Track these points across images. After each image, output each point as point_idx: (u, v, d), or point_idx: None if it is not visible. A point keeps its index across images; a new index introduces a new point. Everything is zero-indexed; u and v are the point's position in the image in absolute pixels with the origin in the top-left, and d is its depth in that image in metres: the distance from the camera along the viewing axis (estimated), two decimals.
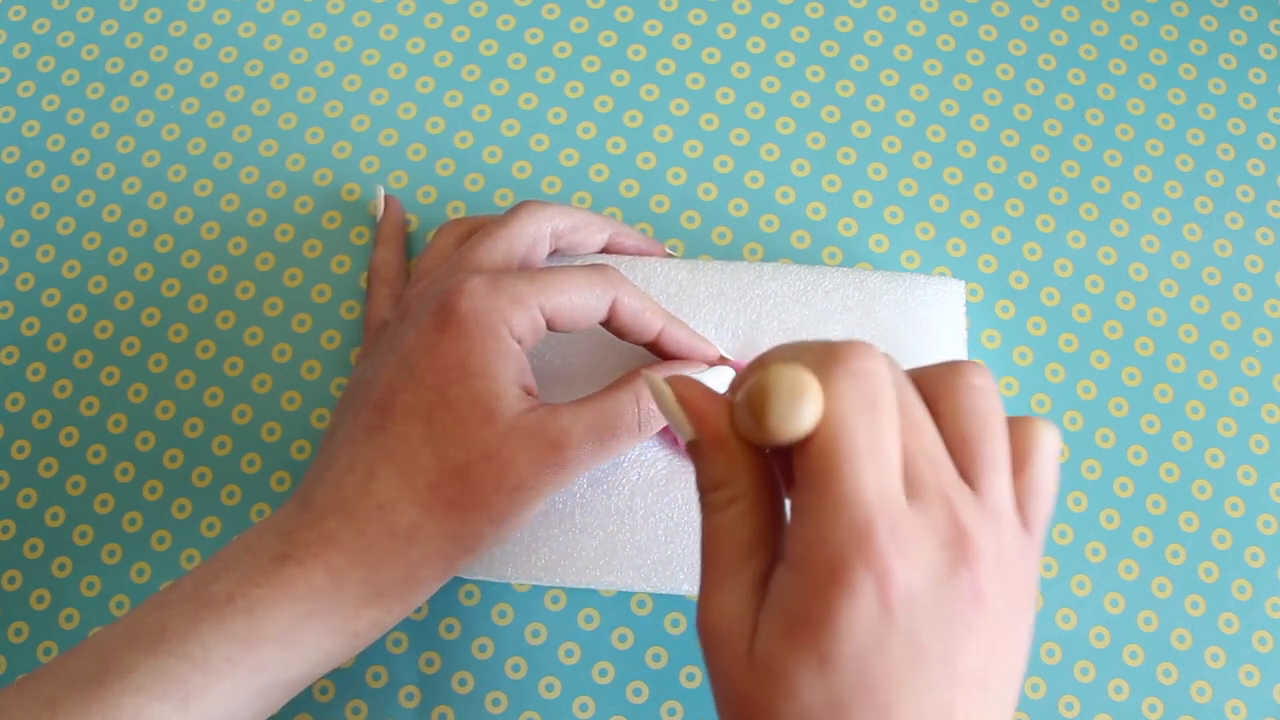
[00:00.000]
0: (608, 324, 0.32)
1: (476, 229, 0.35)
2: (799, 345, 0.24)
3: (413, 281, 0.35)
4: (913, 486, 0.22)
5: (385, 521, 0.29)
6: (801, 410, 0.21)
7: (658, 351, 0.33)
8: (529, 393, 0.31)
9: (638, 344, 0.33)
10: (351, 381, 0.33)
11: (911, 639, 0.21)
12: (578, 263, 0.35)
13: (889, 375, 0.22)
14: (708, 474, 0.24)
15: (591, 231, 0.35)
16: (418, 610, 0.36)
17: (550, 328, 0.31)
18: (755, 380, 0.22)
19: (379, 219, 0.38)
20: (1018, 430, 0.24)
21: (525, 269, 0.32)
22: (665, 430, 0.34)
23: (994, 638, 0.22)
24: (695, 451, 0.24)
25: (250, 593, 0.28)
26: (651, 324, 0.32)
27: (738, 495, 0.24)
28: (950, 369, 0.24)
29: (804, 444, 0.22)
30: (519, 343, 0.30)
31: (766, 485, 0.24)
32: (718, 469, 0.24)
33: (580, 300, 0.31)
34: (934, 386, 0.24)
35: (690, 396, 0.24)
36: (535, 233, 0.33)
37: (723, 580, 0.23)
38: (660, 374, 0.32)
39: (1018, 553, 0.23)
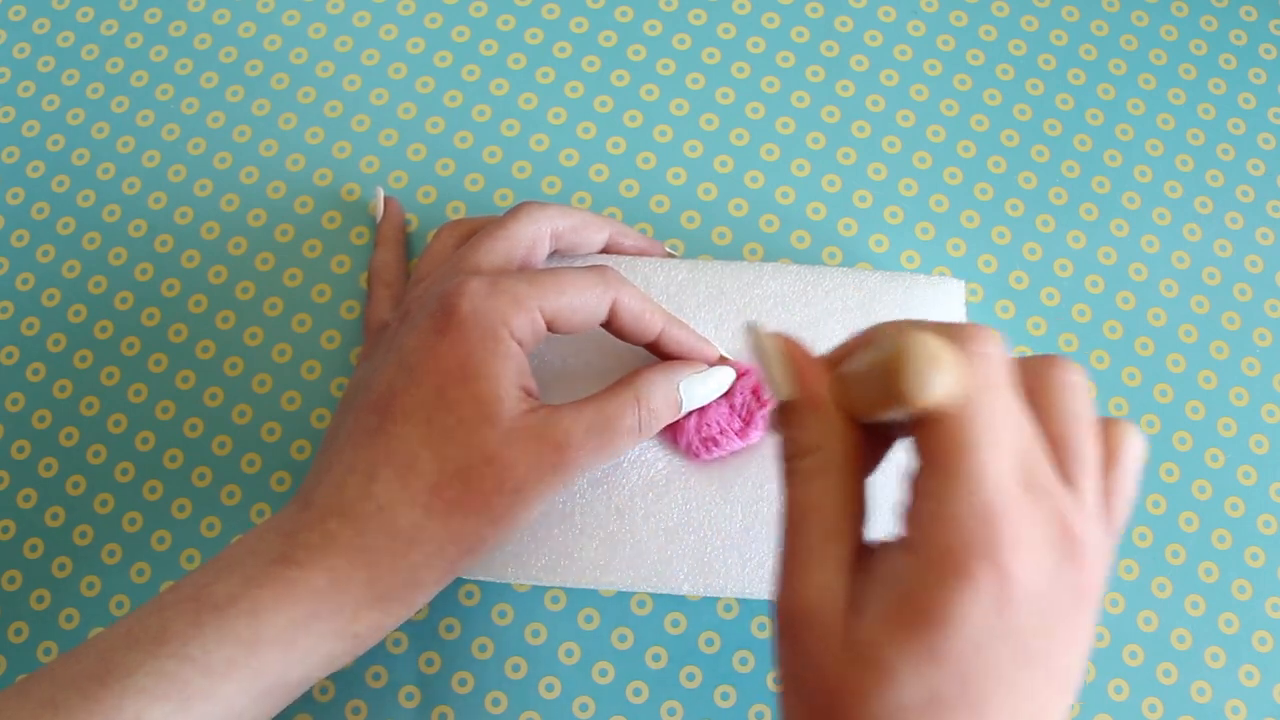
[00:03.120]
0: (608, 325, 0.32)
1: (476, 230, 0.35)
2: (915, 322, 0.23)
3: (412, 283, 0.35)
4: (1025, 479, 0.21)
5: (386, 523, 0.29)
6: (939, 379, 0.20)
7: (658, 352, 0.33)
8: (529, 394, 0.31)
9: (638, 345, 0.33)
10: (352, 383, 0.33)
11: (1020, 639, 0.20)
12: (578, 263, 0.35)
13: (1009, 362, 0.22)
14: (800, 438, 0.23)
15: (591, 231, 0.35)
16: (418, 610, 0.36)
17: (550, 329, 0.31)
18: (890, 346, 0.20)
19: (379, 220, 0.38)
20: (1107, 431, 0.24)
21: (525, 270, 0.32)
22: (665, 430, 0.34)
23: (1082, 639, 0.22)
24: (789, 413, 0.24)
25: (251, 595, 0.28)
26: (652, 325, 0.32)
27: (828, 465, 0.23)
28: (1047, 364, 0.23)
29: (932, 422, 0.21)
30: (519, 344, 0.30)
31: (856, 460, 0.23)
32: (812, 433, 0.23)
33: (580, 302, 0.30)
34: (1031, 381, 0.23)
35: (795, 354, 0.24)
36: (535, 233, 0.33)
37: (811, 559, 0.22)
38: (675, 371, 0.32)
39: (1103, 555, 0.23)
